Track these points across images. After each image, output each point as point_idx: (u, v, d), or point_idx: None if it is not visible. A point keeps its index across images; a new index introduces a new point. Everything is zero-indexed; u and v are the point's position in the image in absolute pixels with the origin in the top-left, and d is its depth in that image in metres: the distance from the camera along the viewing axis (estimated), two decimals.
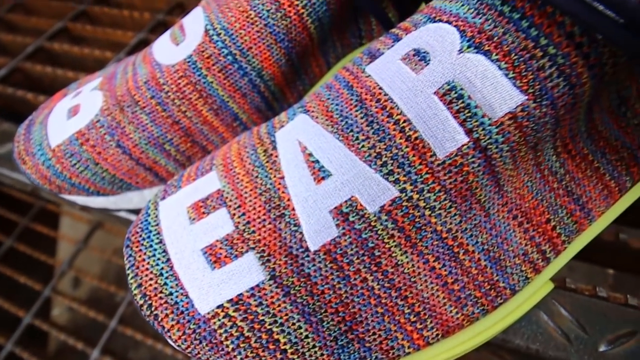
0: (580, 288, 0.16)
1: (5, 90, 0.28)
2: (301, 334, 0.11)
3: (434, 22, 0.11)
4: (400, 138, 0.11)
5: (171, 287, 0.11)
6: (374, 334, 0.11)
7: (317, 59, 0.17)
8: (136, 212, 0.18)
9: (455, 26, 0.11)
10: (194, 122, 0.15)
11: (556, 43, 0.10)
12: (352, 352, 0.11)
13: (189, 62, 0.15)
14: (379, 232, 0.11)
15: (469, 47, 0.10)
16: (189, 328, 0.11)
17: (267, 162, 0.12)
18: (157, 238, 0.12)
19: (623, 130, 0.12)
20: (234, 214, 0.12)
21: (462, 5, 0.11)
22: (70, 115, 0.15)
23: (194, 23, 0.15)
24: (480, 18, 0.10)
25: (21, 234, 0.41)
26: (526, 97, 0.10)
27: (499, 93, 0.10)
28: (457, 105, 0.10)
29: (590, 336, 0.14)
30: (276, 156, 0.12)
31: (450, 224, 0.11)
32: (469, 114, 0.10)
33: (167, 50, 0.15)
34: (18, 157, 0.16)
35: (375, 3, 0.15)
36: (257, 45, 0.14)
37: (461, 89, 0.10)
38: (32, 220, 0.42)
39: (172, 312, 0.11)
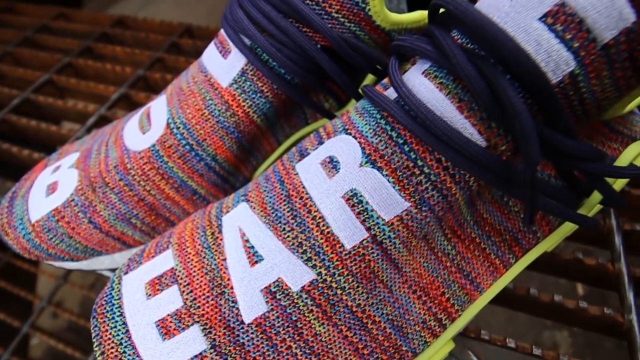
0: (493, 339, 0.19)
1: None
2: None
3: (347, 133, 0.14)
4: (317, 231, 0.13)
5: (129, 355, 0.14)
6: None
7: (268, 138, 0.20)
8: (108, 269, 0.20)
9: (359, 142, 0.14)
10: (157, 198, 0.18)
11: (429, 165, 0.13)
12: None
13: (152, 150, 0.17)
14: (301, 307, 0.13)
15: (367, 162, 0.13)
16: None
17: (214, 244, 0.15)
18: (119, 311, 0.14)
19: (505, 216, 0.15)
20: (183, 291, 0.14)
21: (366, 124, 0.14)
22: (49, 193, 0.18)
23: (158, 115, 0.18)
24: (376, 139, 0.13)
25: (1, 270, 0.42)
26: (409, 204, 0.13)
27: (388, 200, 0.13)
28: (358, 208, 0.13)
29: None
30: (221, 239, 0.15)
31: (359, 300, 0.14)
32: (367, 215, 0.13)
33: (135, 138, 0.18)
34: (1, 228, 0.18)
35: (311, 100, 0.18)
36: (210, 137, 0.17)
37: (361, 195, 0.13)
38: (13, 255, 0.43)
39: None
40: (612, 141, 0.15)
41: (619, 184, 0.15)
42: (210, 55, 0.18)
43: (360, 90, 0.15)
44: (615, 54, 0.11)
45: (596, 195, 0.15)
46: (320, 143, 0.15)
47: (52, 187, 0.18)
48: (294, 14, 0.15)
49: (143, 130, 0.18)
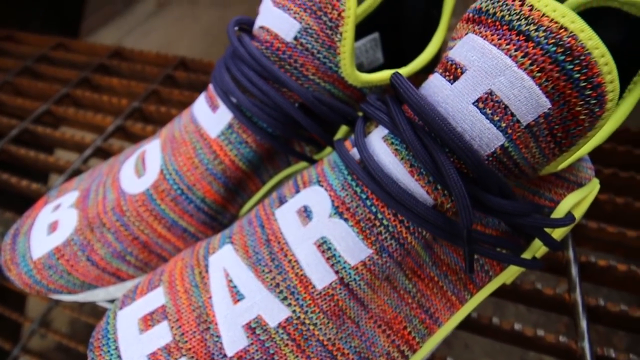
0: None
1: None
2: None
3: (319, 185, 0.16)
4: (292, 273, 0.15)
5: None
6: None
7: (253, 179, 0.21)
8: (103, 300, 0.22)
9: (329, 195, 0.16)
10: (150, 237, 0.20)
11: (387, 218, 0.15)
12: None
13: (147, 194, 0.19)
14: (277, 342, 0.15)
15: (335, 213, 0.15)
16: None
17: (201, 282, 0.17)
18: (114, 345, 0.16)
19: (461, 257, 0.17)
20: (173, 327, 0.16)
21: (335, 178, 0.16)
22: (50, 231, 0.19)
23: (152, 160, 0.20)
24: (343, 192, 0.15)
25: None
26: (371, 251, 0.15)
27: (353, 247, 0.15)
28: (327, 253, 0.15)
29: None
30: (207, 278, 0.16)
31: (329, 334, 0.15)
32: (335, 260, 0.15)
33: (130, 181, 0.20)
34: (4, 265, 0.19)
35: (292, 148, 0.20)
36: (200, 182, 0.19)
37: (330, 242, 0.15)
38: (2, 278, 0.44)
39: None
40: (558, 187, 0.18)
41: (557, 232, 0.17)
42: (201, 107, 0.20)
43: (334, 142, 0.17)
44: (537, 130, 0.13)
45: (537, 243, 0.17)
46: (297, 191, 0.17)
47: (53, 225, 0.20)
48: (273, 78, 0.17)
49: (138, 174, 0.20)
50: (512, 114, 0.13)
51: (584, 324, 0.21)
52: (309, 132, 0.20)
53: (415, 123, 0.14)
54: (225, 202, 0.21)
